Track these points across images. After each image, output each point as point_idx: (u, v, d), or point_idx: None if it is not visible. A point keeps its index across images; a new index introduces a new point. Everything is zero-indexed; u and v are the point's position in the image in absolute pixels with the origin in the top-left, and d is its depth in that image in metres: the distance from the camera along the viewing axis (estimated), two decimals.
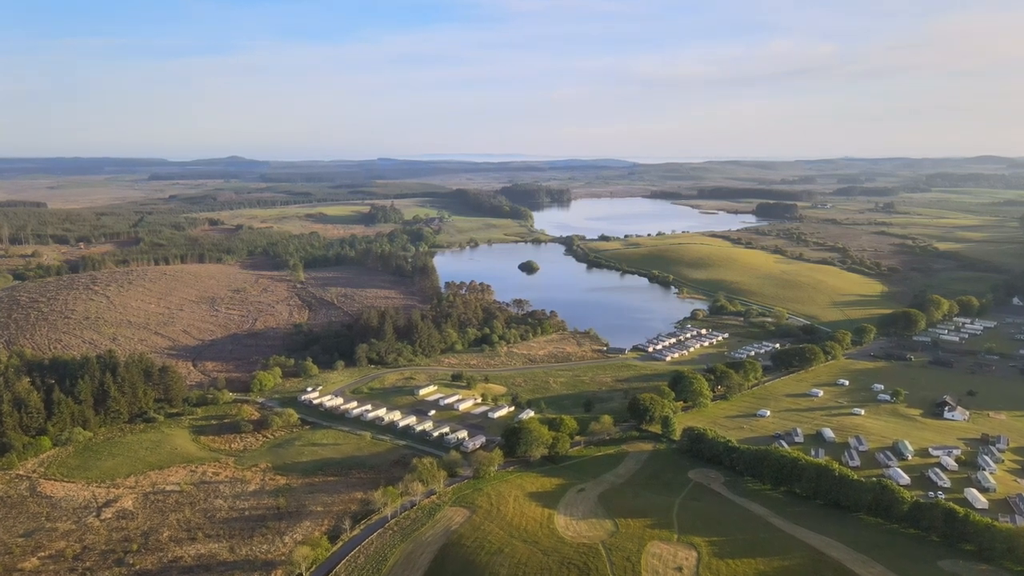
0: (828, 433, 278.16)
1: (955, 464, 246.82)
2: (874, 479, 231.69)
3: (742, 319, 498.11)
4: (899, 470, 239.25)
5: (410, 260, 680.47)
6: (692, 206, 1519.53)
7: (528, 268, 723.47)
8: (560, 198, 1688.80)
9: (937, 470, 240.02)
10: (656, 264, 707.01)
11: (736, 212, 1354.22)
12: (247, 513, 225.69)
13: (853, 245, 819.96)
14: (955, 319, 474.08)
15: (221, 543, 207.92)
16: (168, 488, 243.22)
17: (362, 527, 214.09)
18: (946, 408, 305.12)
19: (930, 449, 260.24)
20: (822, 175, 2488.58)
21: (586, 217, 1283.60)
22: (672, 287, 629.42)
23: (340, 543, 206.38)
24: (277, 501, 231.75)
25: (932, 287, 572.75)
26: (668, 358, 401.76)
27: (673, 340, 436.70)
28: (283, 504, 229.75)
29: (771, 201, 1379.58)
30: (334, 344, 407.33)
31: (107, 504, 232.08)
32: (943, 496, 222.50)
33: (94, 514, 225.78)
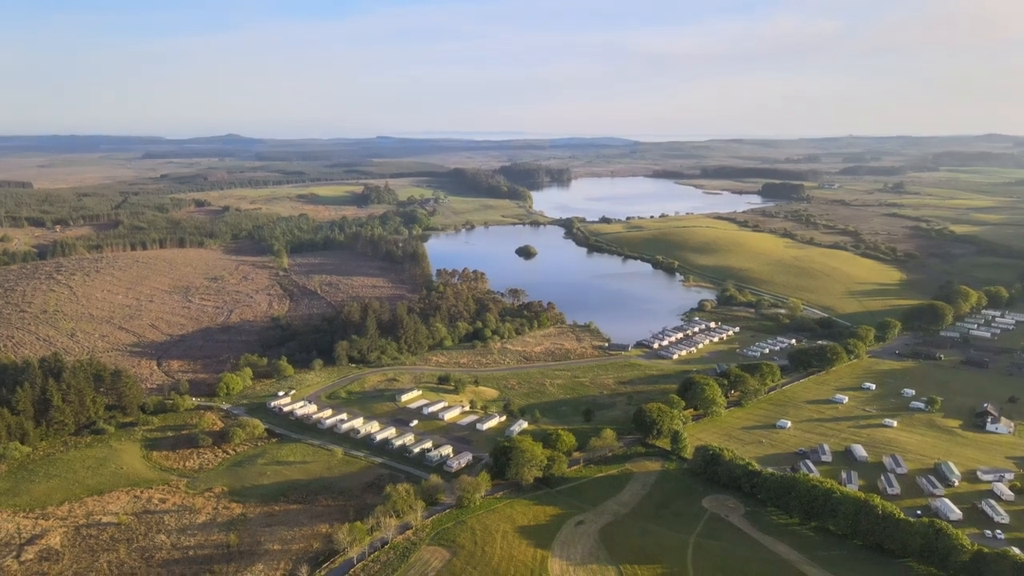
0: (859, 451, 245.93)
1: (1010, 493, 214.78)
2: (919, 512, 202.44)
3: (753, 311, 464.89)
4: (947, 502, 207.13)
5: (401, 245, 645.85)
6: (696, 186, 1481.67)
7: (525, 253, 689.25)
8: (560, 177, 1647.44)
9: (991, 501, 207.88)
10: (660, 248, 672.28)
11: (741, 192, 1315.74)
12: (191, 553, 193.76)
13: (865, 228, 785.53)
14: (984, 312, 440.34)
15: None
16: (105, 520, 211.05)
17: (323, 574, 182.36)
18: (988, 419, 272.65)
19: (978, 473, 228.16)
20: (827, 154, 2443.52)
21: (586, 197, 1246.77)
22: (677, 274, 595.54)
23: None
24: (228, 537, 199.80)
25: (953, 274, 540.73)
26: (675, 356, 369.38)
27: (680, 335, 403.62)
28: (234, 541, 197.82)
29: (777, 181, 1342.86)
30: (312, 341, 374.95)
31: (31, 541, 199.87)
32: (1002, 535, 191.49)
33: (14, 554, 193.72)
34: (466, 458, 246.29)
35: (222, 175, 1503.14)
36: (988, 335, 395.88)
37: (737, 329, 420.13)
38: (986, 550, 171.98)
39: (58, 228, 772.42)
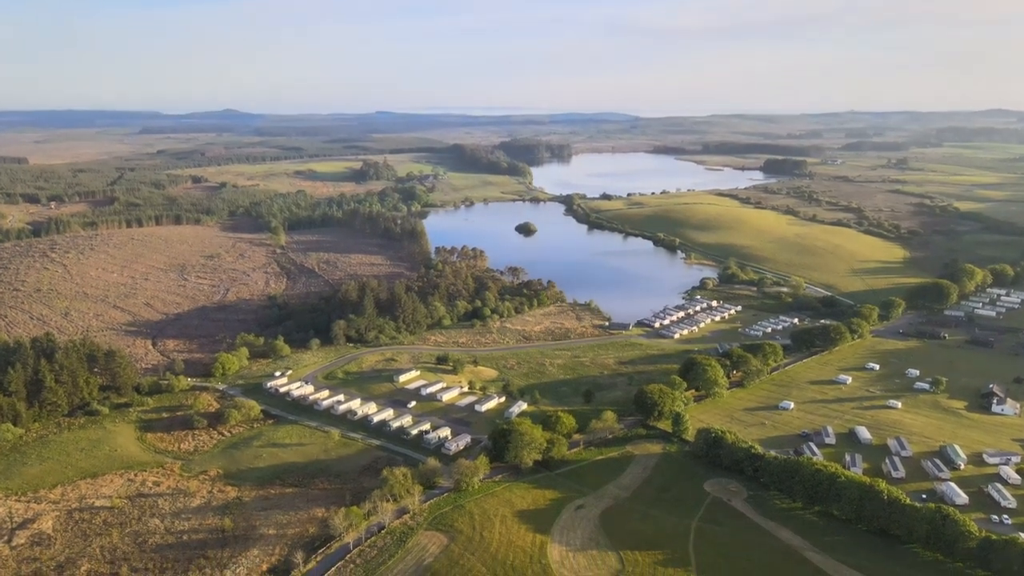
0: (864, 433, 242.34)
1: (1017, 476, 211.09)
2: (924, 497, 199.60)
3: (755, 289, 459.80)
4: (953, 485, 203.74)
5: (399, 222, 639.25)
6: (697, 162, 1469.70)
7: (525, 230, 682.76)
8: (560, 153, 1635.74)
9: (998, 485, 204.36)
10: (661, 226, 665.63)
11: (743, 168, 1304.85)
12: (185, 538, 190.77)
13: (868, 205, 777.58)
14: (989, 290, 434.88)
15: None
16: (98, 503, 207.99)
17: (318, 559, 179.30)
18: (994, 400, 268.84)
19: (985, 456, 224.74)
20: (828, 129, 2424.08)
21: (587, 173, 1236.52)
22: (679, 251, 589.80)
23: None
24: (222, 522, 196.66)
25: (957, 252, 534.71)
26: (676, 335, 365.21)
27: (681, 314, 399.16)
28: (229, 526, 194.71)
29: (779, 157, 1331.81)
30: (309, 320, 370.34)
31: (23, 525, 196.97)
32: (1009, 520, 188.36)
33: (5, 539, 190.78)
34: (464, 440, 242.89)
35: (220, 151, 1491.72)
36: (993, 314, 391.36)
37: (739, 308, 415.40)
38: (994, 536, 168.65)
39: (53, 205, 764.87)
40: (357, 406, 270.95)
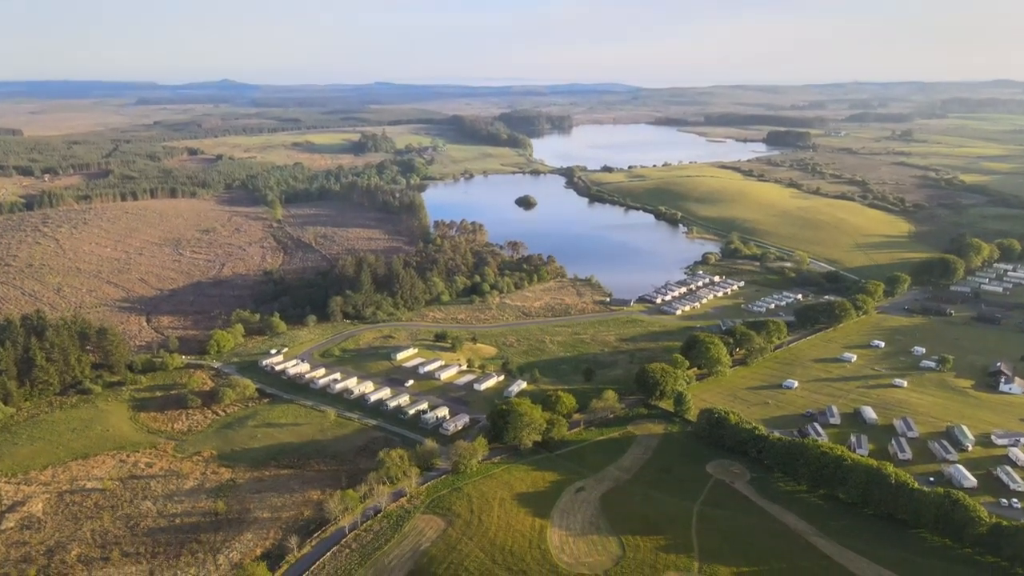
0: (869, 413, 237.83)
1: None
2: (931, 479, 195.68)
3: (758, 264, 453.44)
4: (961, 468, 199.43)
5: (398, 195, 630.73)
6: (699, 133, 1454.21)
7: (525, 203, 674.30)
8: (561, 125, 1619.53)
9: (1007, 468, 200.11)
10: (662, 199, 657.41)
11: (745, 140, 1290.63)
12: (178, 521, 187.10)
13: (872, 177, 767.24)
14: (996, 265, 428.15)
15: (140, 565, 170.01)
16: (89, 485, 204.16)
17: (313, 543, 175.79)
18: (1002, 379, 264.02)
19: (993, 436, 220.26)
20: (832, 100, 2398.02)
21: (588, 145, 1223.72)
22: (680, 225, 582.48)
23: (285, 566, 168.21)
24: (216, 504, 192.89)
25: (963, 226, 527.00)
26: (678, 311, 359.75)
27: (683, 290, 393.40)
28: (222, 509, 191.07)
29: (782, 129, 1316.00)
30: (306, 295, 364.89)
31: (13, 508, 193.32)
32: (1018, 504, 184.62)
33: None
34: (463, 420, 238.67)
35: (216, 122, 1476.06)
36: (1000, 290, 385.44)
37: (742, 283, 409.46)
38: (1004, 522, 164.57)
39: (47, 177, 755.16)
40: (354, 385, 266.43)
